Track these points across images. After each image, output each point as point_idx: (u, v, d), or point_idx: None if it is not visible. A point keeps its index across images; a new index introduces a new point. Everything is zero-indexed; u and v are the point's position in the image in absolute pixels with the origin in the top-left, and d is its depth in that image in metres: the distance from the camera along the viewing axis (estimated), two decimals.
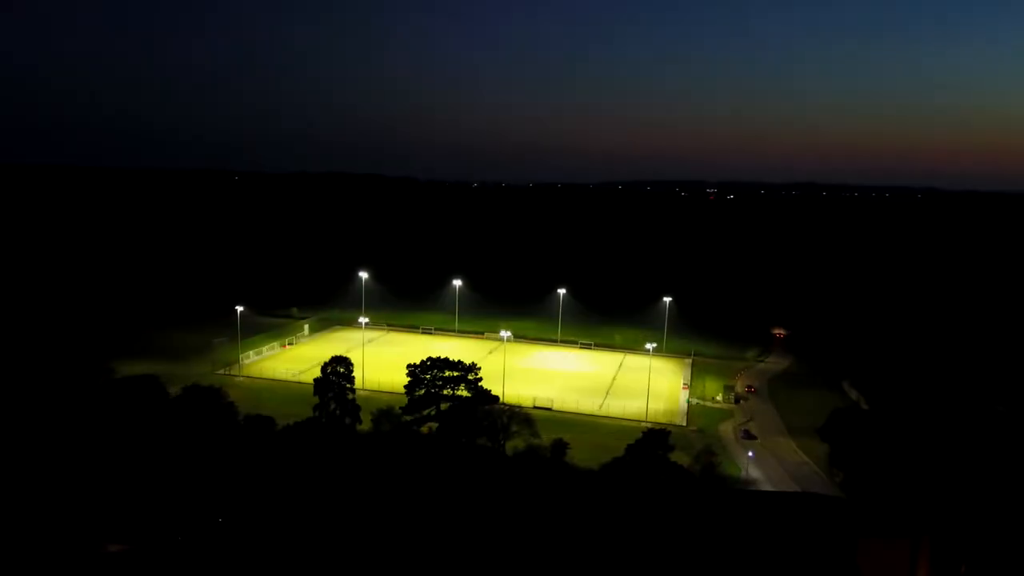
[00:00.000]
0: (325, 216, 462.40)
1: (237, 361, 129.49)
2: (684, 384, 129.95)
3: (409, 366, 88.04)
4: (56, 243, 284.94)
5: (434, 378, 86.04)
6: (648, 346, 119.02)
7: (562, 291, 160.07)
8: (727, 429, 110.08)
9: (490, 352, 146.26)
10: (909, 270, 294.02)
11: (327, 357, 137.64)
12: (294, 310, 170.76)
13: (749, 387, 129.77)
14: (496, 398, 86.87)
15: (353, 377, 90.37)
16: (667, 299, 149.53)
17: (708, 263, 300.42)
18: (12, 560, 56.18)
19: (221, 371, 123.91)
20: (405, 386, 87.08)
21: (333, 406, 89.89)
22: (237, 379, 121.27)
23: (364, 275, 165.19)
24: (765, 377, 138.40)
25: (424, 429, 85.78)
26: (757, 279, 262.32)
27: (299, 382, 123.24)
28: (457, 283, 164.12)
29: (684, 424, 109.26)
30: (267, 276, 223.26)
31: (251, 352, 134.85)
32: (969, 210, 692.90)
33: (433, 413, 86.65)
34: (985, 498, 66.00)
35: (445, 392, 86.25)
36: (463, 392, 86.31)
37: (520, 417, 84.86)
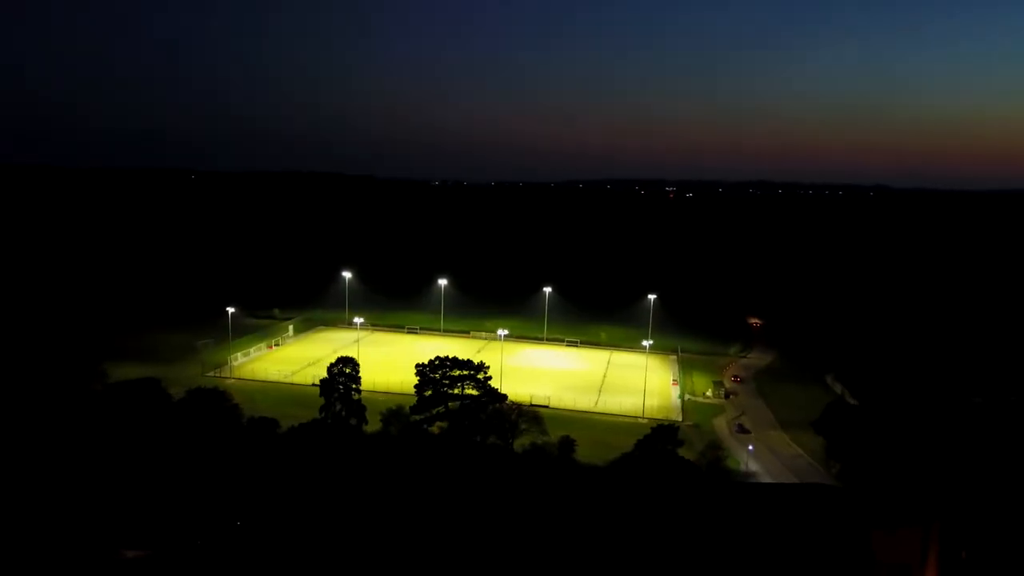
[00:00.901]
0: (289, 215, 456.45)
1: (227, 363, 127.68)
2: (673, 380, 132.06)
3: (418, 365, 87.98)
4: (14, 246, 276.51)
5: (443, 377, 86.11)
6: (644, 343, 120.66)
7: (548, 290, 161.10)
8: (721, 424, 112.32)
9: (479, 351, 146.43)
10: (871, 264, 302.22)
11: (314, 358, 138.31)
12: (276, 311, 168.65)
13: (736, 377, 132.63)
14: (504, 397, 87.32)
15: (359, 378, 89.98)
16: (652, 296, 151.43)
17: (680, 260, 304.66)
18: (31, 569, 55.10)
19: (211, 373, 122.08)
20: (415, 385, 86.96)
21: (339, 407, 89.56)
22: (228, 381, 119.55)
23: (347, 275, 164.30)
24: (750, 372, 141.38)
25: (434, 428, 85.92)
26: (728, 274, 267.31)
27: (292, 383, 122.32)
28: (442, 282, 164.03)
29: (680, 419, 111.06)
30: (242, 277, 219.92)
31: (239, 354, 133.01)
32: (917, 207, 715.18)
33: (442, 411, 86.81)
34: (982, 485, 68.72)
35: (454, 391, 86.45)
36: (471, 391, 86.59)
37: (528, 415, 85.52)
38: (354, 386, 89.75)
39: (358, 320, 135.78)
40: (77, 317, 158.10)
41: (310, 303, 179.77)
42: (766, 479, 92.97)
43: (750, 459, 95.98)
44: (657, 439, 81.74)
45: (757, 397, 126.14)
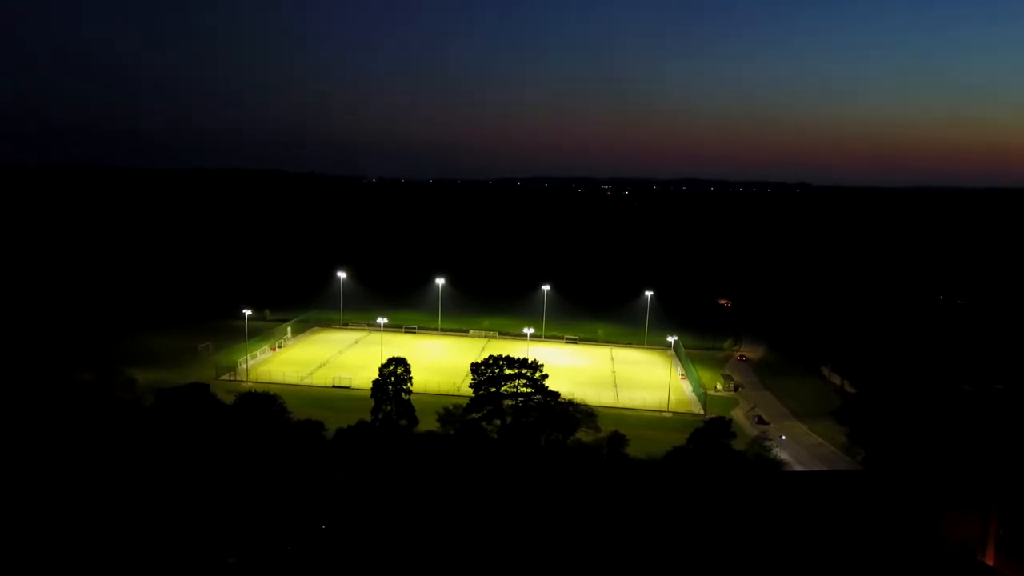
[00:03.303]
0: (240, 214, 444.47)
1: (236, 367, 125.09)
2: (681, 375, 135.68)
3: (473, 364, 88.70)
4: None
5: (497, 376, 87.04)
6: (669, 339, 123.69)
7: (546, 287, 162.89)
8: (739, 416, 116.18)
9: (483, 349, 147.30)
10: (823, 257, 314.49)
11: (319, 359, 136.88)
12: (266, 312, 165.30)
13: (741, 356, 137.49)
14: (557, 394, 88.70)
15: (411, 378, 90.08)
16: (648, 293, 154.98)
17: (653, 255, 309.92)
18: None
19: (225, 377, 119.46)
20: (470, 384, 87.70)
21: (389, 407, 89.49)
22: (245, 385, 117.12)
23: (342, 275, 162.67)
24: (748, 365, 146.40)
25: (490, 428, 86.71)
26: (703, 267, 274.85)
27: (310, 385, 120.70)
28: (439, 281, 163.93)
29: (702, 412, 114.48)
30: (221, 278, 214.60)
31: (246, 356, 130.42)
32: (836, 203, 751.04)
33: (490, 410, 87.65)
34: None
35: (507, 389, 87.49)
36: (524, 389, 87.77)
37: (583, 412, 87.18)
38: (404, 386, 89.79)
39: (381, 320, 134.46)
40: (59, 323, 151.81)
41: (294, 304, 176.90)
42: (798, 468, 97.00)
43: (780, 449, 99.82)
44: (711, 432, 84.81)
45: (763, 390, 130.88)
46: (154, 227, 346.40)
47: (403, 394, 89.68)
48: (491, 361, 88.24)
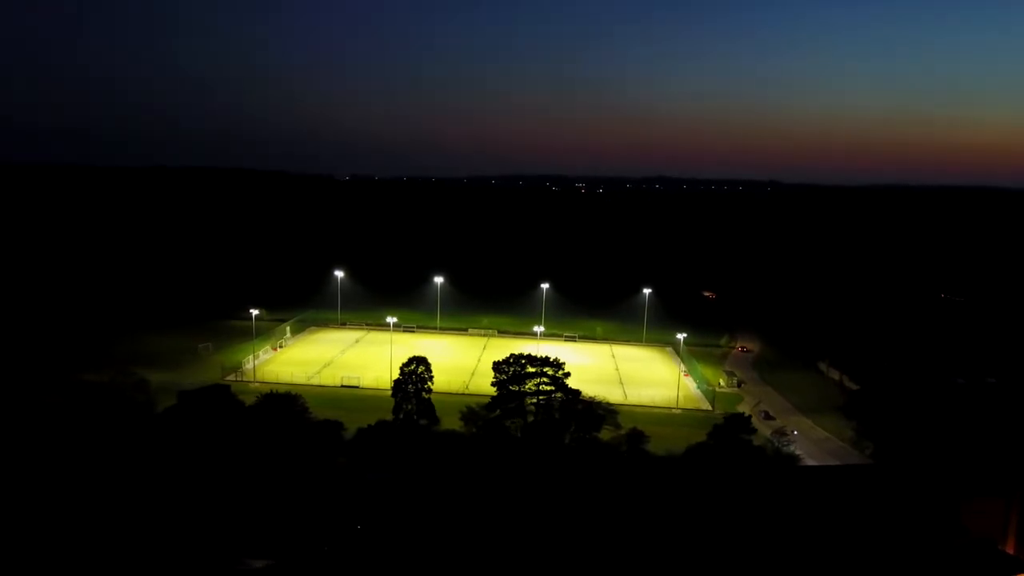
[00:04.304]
0: (210, 214, 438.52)
1: (241, 367, 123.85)
2: (684, 372, 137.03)
3: (495, 363, 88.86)
4: None
5: (520, 375, 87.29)
6: (679, 336, 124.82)
7: (545, 285, 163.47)
8: (746, 411, 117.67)
9: (484, 348, 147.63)
10: (794, 252, 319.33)
11: (322, 359, 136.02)
12: (262, 312, 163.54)
13: (743, 348, 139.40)
14: (578, 392, 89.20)
15: (432, 377, 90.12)
16: (647, 291, 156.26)
17: (644, 253, 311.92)
18: None
19: (231, 378, 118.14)
20: (492, 383, 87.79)
21: (409, 406, 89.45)
22: (252, 385, 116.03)
23: (339, 274, 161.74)
24: (747, 361, 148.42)
25: (512, 426, 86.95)
26: (695, 265, 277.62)
27: (319, 385, 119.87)
28: (438, 280, 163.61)
29: (711, 409, 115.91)
30: (209, 277, 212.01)
31: (250, 356, 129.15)
32: (807, 200, 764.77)
33: (513, 408, 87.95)
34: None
35: (529, 388, 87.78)
36: (546, 387, 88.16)
37: (605, 410, 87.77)
38: (424, 385, 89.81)
39: (391, 319, 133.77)
40: (53, 324, 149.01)
41: (287, 304, 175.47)
42: (810, 461, 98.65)
43: (792, 443, 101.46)
44: (730, 428, 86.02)
45: (764, 385, 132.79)
46: (128, 226, 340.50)
47: (423, 393, 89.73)
48: (512, 360, 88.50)
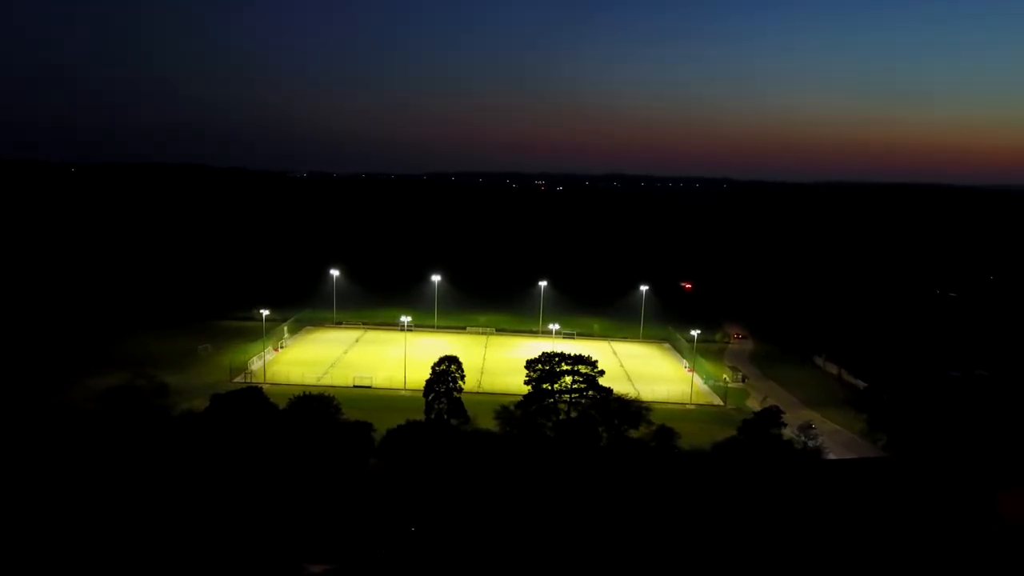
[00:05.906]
0: (170, 212, 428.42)
1: (247, 368, 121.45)
2: (688, 368, 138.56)
3: (529, 362, 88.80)
4: None
5: (553, 372, 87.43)
6: (692, 332, 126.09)
7: (543, 283, 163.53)
8: (755, 406, 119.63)
9: (485, 347, 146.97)
10: (758, 246, 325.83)
11: (326, 358, 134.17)
12: (257, 312, 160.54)
13: (739, 335, 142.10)
14: (610, 390, 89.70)
15: (463, 376, 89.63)
16: (644, 287, 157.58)
17: (621, 249, 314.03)
18: None
19: (239, 379, 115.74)
20: (526, 381, 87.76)
21: (440, 406, 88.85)
22: (264, 387, 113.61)
23: (335, 273, 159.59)
24: (744, 357, 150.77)
25: (546, 424, 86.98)
26: (674, 260, 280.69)
27: (331, 385, 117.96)
28: (436, 278, 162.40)
29: (722, 404, 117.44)
30: (195, 277, 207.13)
31: (255, 357, 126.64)
32: (760, 197, 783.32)
33: (548, 405, 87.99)
34: None
35: (560, 385, 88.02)
36: (578, 385, 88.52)
37: (638, 407, 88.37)
38: (455, 385, 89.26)
39: (405, 319, 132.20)
40: (48, 325, 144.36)
41: (280, 303, 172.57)
42: (831, 455, 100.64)
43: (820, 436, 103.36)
44: (761, 423, 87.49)
45: (767, 380, 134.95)
46: (99, 225, 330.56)
47: (455, 392, 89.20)
48: (545, 358, 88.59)
